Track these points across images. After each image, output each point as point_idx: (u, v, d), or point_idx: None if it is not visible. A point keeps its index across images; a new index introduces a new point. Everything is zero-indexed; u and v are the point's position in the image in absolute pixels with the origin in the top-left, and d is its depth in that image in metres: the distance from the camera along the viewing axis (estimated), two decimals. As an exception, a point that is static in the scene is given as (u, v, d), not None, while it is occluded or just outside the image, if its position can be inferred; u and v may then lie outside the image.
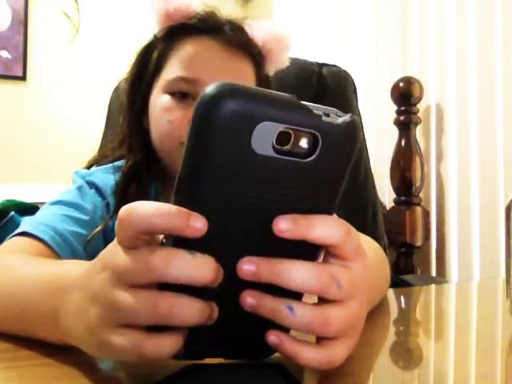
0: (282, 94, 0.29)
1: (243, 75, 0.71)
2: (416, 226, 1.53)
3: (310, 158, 0.28)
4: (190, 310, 0.29)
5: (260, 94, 0.28)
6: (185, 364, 0.33)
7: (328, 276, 0.30)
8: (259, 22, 0.76)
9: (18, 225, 0.62)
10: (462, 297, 0.69)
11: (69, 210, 0.64)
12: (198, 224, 0.28)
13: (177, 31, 0.72)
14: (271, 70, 0.78)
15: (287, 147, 0.28)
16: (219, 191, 0.28)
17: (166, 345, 0.29)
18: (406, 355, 0.43)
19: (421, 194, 1.56)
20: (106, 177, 0.71)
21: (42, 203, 0.68)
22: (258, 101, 0.28)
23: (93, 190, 0.69)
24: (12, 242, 0.58)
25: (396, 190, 1.57)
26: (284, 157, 0.28)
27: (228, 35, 0.71)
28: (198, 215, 0.28)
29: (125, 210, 0.29)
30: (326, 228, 0.30)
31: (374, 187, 1.07)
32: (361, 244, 0.33)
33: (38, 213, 0.65)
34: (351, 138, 0.29)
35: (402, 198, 1.55)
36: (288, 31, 0.80)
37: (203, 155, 0.28)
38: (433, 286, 0.80)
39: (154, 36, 0.75)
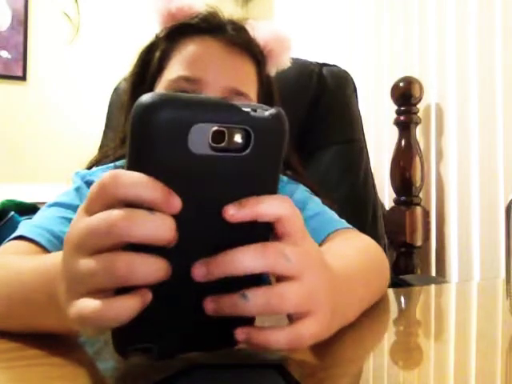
0: (212, 97, 0.32)
1: (245, 75, 0.71)
2: (416, 226, 1.53)
3: (245, 152, 0.31)
4: (147, 266, 0.29)
5: (190, 99, 0.30)
6: (184, 364, 0.33)
7: (274, 251, 0.31)
8: (261, 23, 0.76)
9: (17, 225, 0.62)
10: (462, 297, 0.69)
11: (66, 212, 0.64)
12: (176, 202, 0.29)
13: (179, 31, 0.72)
14: (272, 70, 0.78)
15: (223, 144, 0.30)
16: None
17: (129, 305, 0.29)
18: (406, 355, 0.43)
19: (421, 194, 1.56)
20: None
21: (42, 203, 0.68)
22: (189, 106, 0.30)
23: None
24: (9, 245, 0.57)
25: (396, 190, 1.57)
26: (221, 153, 0.30)
27: (230, 35, 0.71)
28: (175, 194, 0.29)
29: (109, 176, 0.30)
30: (271, 202, 0.32)
31: (373, 187, 1.07)
32: (302, 223, 0.34)
33: (36, 215, 0.64)
34: (279, 127, 0.32)
35: (402, 198, 1.55)
36: (289, 32, 0.80)
37: (144, 163, 0.30)
38: (433, 286, 0.80)
39: (156, 36, 0.75)
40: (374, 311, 0.51)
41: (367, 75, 1.81)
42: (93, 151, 0.85)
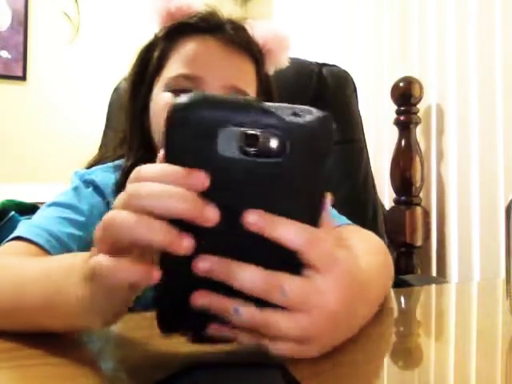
0: (248, 98, 0.31)
1: (244, 73, 0.72)
2: (416, 226, 1.53)
3: (280, 158, 0.29)
4: (157, 230, 0.30)
5: (223, 100, 0.30)
6: (184, 364, 0.33)
7: (273, 282, 0.32)
8: (259, 22, 0.77)
9: (18, 225, 0.62)
10: (462, 297, 0.69)
11: (64, 212, 0.64)
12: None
13: (178, 30, 0.72)
14: (271, 69, 0.79)
15: (255, 149, 0.29)
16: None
17: (133, 269, 0.30)
18: (406, 355, 0.43)
19: (421, 194, 1.56)
20: (107, 175, 0.71)
21: (42, 203, 0.68)
22: (221, 107, 0.30)
23: (90, 189, 0.69)
24: (7, 246, 0.57)
25: (396, 190, 1.57)
26: (254, 158, 0.29)
27: (229, 34, 0.71)
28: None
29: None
30: (289, 231, 0.31)
31: (374, 187, 1.07)
32: (337, 256, 0.34)
33: (35, 216, 0.65)
34: (320, 134, 0.30)
35: (402, 197, 1.55)
36: (288, 31, 0.80)
37: (176, 162, 0.30)
38: (433, 286, 0.80)
39: (155, 35, 0.75)
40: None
41: (367, 75, 1.81)
42: (93, 151, 0.85)
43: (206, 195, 0.30)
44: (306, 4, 2.17)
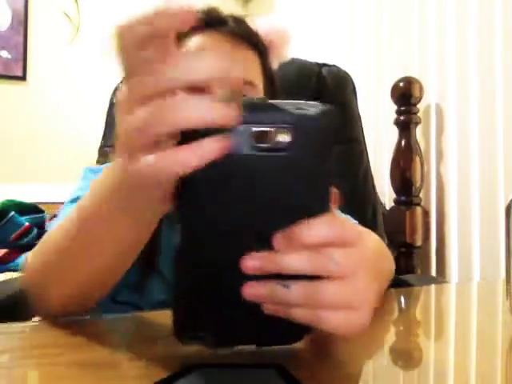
0: (253, 98, 0.33)
1: (249, 64, 0.72)
2: (416, 226, 1.53)
3: (291, 151, 0.31)
4: (198, 107, 0.30)
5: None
6: (185, 364, 0.33)
7: (322, 256, 0.32)
8: (260, 19, 0.77)
9: (17, 225, 0.62)
10: (462, 297, 0.69)
11: None
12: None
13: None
14: (274, 63, 0.79)
15: (267, 145, 0.31)
16: (216, 197, 0.32)
17: (182, 155, 0.29)
18: (406, 355, 0.43)
19: (421, 194, 1.56)
20: None
21: (42, 203, 0.68)
22: None
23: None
24: None
25: (396, 190, 1.57)
26: (266, 153, 0.31)
27: (232, 27, 0.72)
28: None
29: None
30: (319, 231, 0.32)
31: (373, 187, 1.07)
32: (358, 230, 0.35)
33: (59, 217, 0.65)
34: (324, 124, 0.32)
35: (402, 197, 1.55)
36: (288, 25, 0.81)
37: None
38: (433, 286, 0.80)
39: None
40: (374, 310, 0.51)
41: (367, 75, 1.81)
42: (93, 151, 0.85)
43: (223, 193, 0.31)
44: (307, 4, 2.17)
